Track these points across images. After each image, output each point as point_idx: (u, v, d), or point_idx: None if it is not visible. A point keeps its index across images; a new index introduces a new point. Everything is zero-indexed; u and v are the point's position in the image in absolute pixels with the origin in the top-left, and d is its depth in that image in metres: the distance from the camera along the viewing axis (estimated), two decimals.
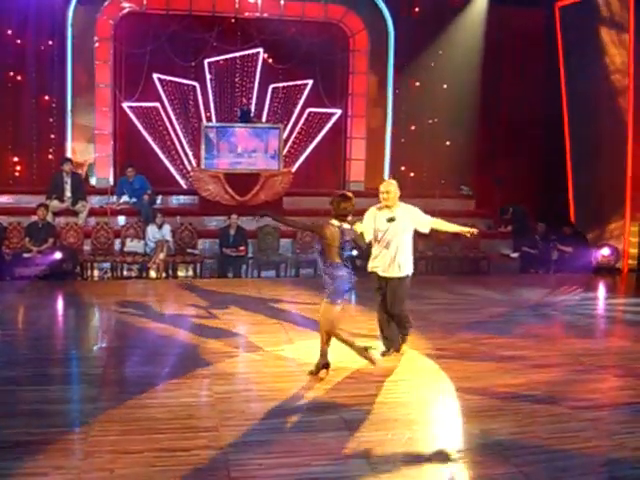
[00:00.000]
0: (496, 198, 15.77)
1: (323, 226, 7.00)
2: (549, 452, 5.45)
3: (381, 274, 7.69)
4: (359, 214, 7.74)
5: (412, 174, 17.01)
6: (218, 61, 16.25)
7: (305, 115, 16.71)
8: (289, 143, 16.47)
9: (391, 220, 7.58)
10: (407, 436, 5.68)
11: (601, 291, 12.91)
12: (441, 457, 5.42)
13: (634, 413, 6.32)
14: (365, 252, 7.99)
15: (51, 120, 15.50)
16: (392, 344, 7.84)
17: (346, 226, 7.03)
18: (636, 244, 14.37)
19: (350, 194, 7.16)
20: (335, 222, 6.99)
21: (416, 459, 5.32)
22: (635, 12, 13.98)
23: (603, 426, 6.02)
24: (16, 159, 15.49)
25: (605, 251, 14.22)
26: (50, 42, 15.16)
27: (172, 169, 16.15)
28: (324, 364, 7.10)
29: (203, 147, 14.80)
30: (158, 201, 14.76)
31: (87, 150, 15.42)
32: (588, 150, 15.33)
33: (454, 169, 16.67)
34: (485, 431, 5.81)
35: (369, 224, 7.72)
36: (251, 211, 8.39)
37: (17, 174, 15.51)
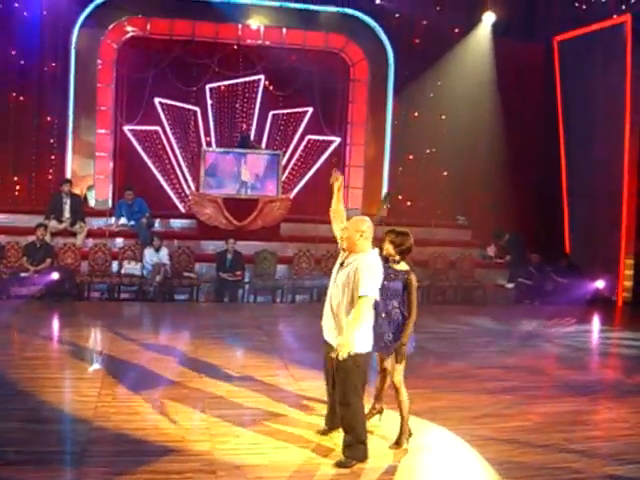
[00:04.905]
0: (492, 228, 15.85)
1: (413, 277, 6.12)
2: None
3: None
4: None
5: (409, 203, 17.12)
6: (219, 87, 16.43)
7: (304, 142, 16.84)
8: (288, 169, 16.58)
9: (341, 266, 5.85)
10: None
11: (595, 323, 12.93)
12: None
13: (626, 445, 6.33)
14: None
15: (52, 141, 15.60)
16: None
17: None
18: (631, 277, 14.45)
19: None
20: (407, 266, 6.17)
21: None
22: (632, 46, 14.17)
23: (595, 458, 6.03)
24: (16, 179, 15.57)
25: (600, 283, 14.29)
26: (53, 64, 15.32)
27: (171, 193, 16.24)
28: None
29: (202, 171, 14.89)
30: (156, 224, 14.80)
31: (87, 172, 15.47)
32: (585, 182, 15.45)
33: (451, 199, 16.79)
34: (477, 461, 5.82)
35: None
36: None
37: (16, 193, 15.58)
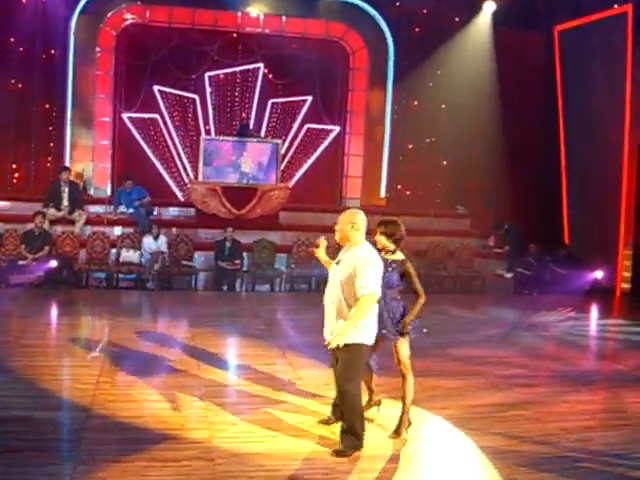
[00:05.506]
0: (491, 218, 15.83)
1: (409, 264, 6.20)
2: (539, 471, 5.46)
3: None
4: None
5: (408, 192, 17.12)
6: (218, 75, 16.37)
7: (303, 131, 16.80)
8: (287, 158, 16.53)
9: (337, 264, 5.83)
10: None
11: (594, 313, 12.95)
12: (433, 472, 5.48)
13: (623, 436, 6.34)
14: None
15: (51, 129, 15.59)
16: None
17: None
18: (629, 267, 14.46)
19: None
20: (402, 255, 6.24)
21: (404, 474, 5.36)
22: (633, 36, 14.14)
23: (592, 447, 6.03)
24: (15, 166, 15.55)
25: (598, 274, 14.28)
26: (52, 51, 15.27)
27: (170, 181, 16.21)
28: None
29: (201, 160, 14.86)
30: (155, 212, 14.78)
31: (86, 160, 15.45)
32: (584, 172, 15.44)
33: (450, 188, 16.78)
34: (475, 450, 5.83)
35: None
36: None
37: (15, 181, 15.57)
